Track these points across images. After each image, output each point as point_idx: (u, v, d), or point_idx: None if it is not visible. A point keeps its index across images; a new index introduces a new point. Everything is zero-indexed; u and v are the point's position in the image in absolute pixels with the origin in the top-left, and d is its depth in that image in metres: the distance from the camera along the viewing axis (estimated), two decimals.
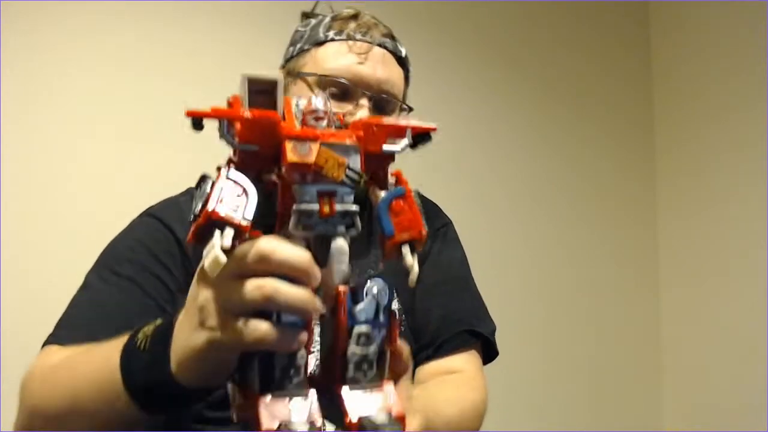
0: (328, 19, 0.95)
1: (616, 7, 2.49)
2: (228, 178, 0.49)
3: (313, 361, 0.82)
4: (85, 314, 0.81)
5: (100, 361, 0.59)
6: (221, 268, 0.47)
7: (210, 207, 0.48)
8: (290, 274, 0.48)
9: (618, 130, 2.45)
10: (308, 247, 0.51)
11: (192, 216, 0.49)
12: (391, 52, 0.94)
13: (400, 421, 0.50)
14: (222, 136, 0.50)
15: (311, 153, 0.49)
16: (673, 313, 2.39)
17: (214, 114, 0.50)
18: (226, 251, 0.47)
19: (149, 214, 0.89)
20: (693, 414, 2.29)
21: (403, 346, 0.55)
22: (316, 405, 0.50)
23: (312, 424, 0.48)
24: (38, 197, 1.68)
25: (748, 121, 2.16)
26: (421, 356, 0.91)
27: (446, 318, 0.93)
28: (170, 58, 1.79)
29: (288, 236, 0.51)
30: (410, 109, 0.98)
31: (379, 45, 0.92)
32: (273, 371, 0.50)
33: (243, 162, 0.52)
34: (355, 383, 0.52)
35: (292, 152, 0.49)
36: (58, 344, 0.76)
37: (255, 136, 0.51)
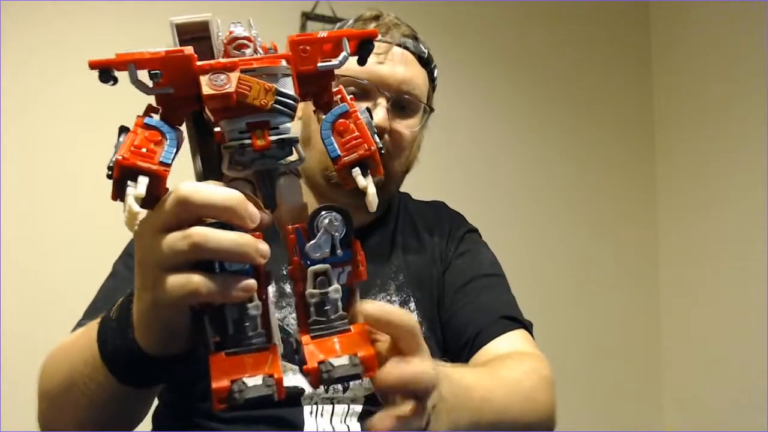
0: (351, 21, 0.95)
1: (616, 7, 2.49)
2: (145, 124, 0.45)
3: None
4: (110, 300, 0.80)
5: (87, 335, 0.58)
6: (143, 221, 0.44)
7: (119, 155, 0.43)
8: (218, 217, 0.44)
9: (618, 130, 2.45)
10: (254, 191, 0.47)
11: (107, 171, 0.45)
12: (412, 52, 0.94)
13: (367, 362, 0.45)
14: (132, 82, 0.46)
15: (230, 82, 0.44)
16: (673, 313, 2.40)
17: (121, 59, 0.46)
18: (147, 203, 0.44)
19: None
20: (693, 413, 2.29)
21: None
22: (278, 358, 0.45)
23: (270, 377, 0.43)
24: (38, 197, 1.68)
25: (748, 122, 2.16)
26: (463, 357, 0.87)
27: (479, 311, 0.89)
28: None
29: (229, 181, 0.47)
30: (431, 110, 0.97)
31: (399, 45, 0.92)
32: (226, 327, 0.45)
33: (165, 109, 0.47)
34: (318, 328, 0.47)
35: (207, 86, 0.44)
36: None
37: (168, 78, 0.46)
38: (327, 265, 0.47)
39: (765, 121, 2.11)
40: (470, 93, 2.23)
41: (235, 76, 0.45)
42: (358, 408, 0.80)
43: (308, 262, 0.47)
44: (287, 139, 0.46)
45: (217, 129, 0.48)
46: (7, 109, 1.66)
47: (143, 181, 0.43)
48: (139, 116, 0.46)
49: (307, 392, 0.79)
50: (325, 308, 0.47)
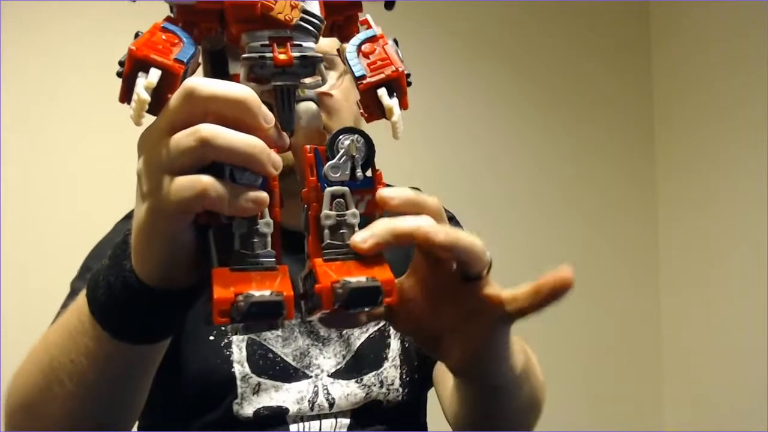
0: None
1: (616, 7, 2.49)
2: (162, 27, 0.43)
3: None
4: None
5: (69, 311, 0.52)
6: (148, 127, 0.41)
7: (133, 46, 0.41)
8: (228, 112, 0.40)
9: (618, 130, 2.45)
10: (271, 109, 0.44)
11: (118, 69, 0.42)
12: None
13: (386, 285, 0.41)
14: None
15: None
16: (673, 313, 2.39)
17: None
18: (155, 108, 0.41)
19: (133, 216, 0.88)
20: (693, 414, 2.29)
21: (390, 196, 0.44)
22: (288, 279, 0.42)
23: (280, 293, 0.40)
24: (38, 197, 1.68)
25: (748, 121, 2.16)
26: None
27: None
28: None
29: None
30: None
31: None
32: (232, 241, 0.42)
33: (185, 23, 0.44)
34: (331, 252, 0.43)
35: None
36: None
37: None
38: (345, 188, 0.44)
39: (765, 121, 2.11)
40: (469, 91, 2.23)
41: None
42: (346, 421, 0.78)
43: (326, 185, 0.44)
44: (310, 56, 0.43)
45: (234, 72, 0.45)
46: (7, 109, 1.66)
47: (155, 72, 0.40)
48: (161, 21, 0.44)
49: (291, 411, 0.77)
50: (341, 232, 0.43)
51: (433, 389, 0.87)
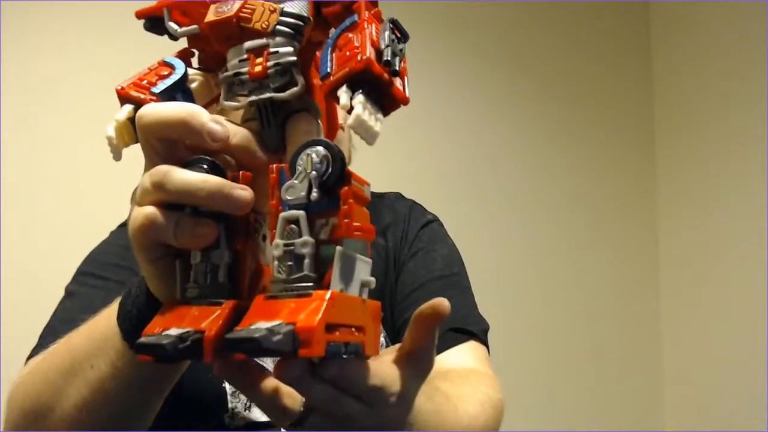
0: None
1: (616, 7, 2.49)
2: (162, 62, 0.45)
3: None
4: (70, 321, 0.69)
5: (101, 315, 0.52)
6: (114, 143, 0.42)
7: (121, 84, 0.44)
8: (172, 135, 0.40)
9: (618, 130, 2.45)
10: (259, 126, 0.42)
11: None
12: None
13: (302, 334, 0.33)
14: (167, 23, 0.44)
15: (232, 7, 0.40)
16: (673, 313, 2.39)
17: (159, 4, 0.44)
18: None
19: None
20: (693, 414, 2.29)
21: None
22: (225, 316, 0.37)
23: (198, 332, 0.36)
24: (38, 197, 1.68)
25: (748, 121, 2.16)
26: None
27: None
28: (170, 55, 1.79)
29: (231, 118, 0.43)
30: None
31: None
32: (188, 273, 0.40)
33: (201, 52, 0.45)
34: (275, 287, 0.37)
35: (212, 13, 0.41)
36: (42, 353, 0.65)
37: (193, 17, 0.43)
38: (300, 212, 0.37)
39: (765, 120, 2.11)
40: (469, 91, 2.23)
41: (240, 1, 0.40)
42: None
43: (285, 207, 0.38)
44: (284, 63, 0.39)
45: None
46: (7, 109, 1.66)
47: (126, 108, 0.42)
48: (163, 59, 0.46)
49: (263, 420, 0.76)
50: (287, 262, 0.37)
51: None
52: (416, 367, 0.43)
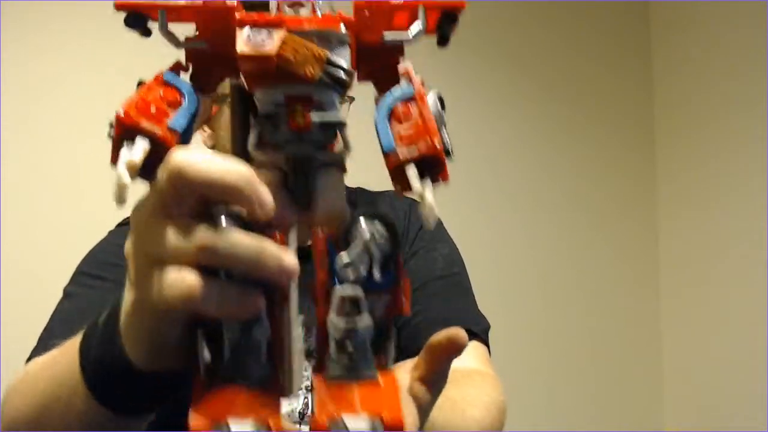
0: None
1: (616, 7, 2.49)
2: (163, 80, 0.37)
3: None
4: (68, 324, 0.67)
5: (67, 350, 0.48)
6: (140, 201, 0.36)
7: (122, 109, 0.35)
8: (218, 198, 0.34)
9: (618, 130, 2.45)
10: (285, 181, 0.37)
11: (108, 129, 0.36)
12: None
13: (394, 428, 0.33)
14: (161, 28, 0.38)
15: (271, 41, 0.35)
16: (673, 313, 2.39)
17: (150, 4, 0.37)
18: (147, 175, 0.35)
19: (128, 223, 0.88)
20: (693, 414, 2.29)
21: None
22: (278, 401, 0.35)
23: (265, 426, 0.33)
24: (38, 197, 1.68)
25: (748, 121, 2.16)
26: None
27: (428, 323, 0.80)
28: (172, 58, 1.79)
29: (258, 166, 0.36)
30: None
31: None
32: (222, 349, 0.35)
33: (197, 68, 0.39)
34: (336, 369, 0.36)
35: (243, 43, 0.35)
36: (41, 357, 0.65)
37: (203, 31, 0.38)
38: (360, 291, 0.36)
39: (765, 120, 2.11)
40: (469, 91, 2.23)
41: (279, 34, 0.35)
42: None
43: (336, 282, 0.36)
44: (333, 122, 0.36)
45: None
46: (8, 109, 1.66)
47: (141, 145, 0.35)
48: (161, 70, 0.38)
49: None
50: (347, 346, 0.36)
51: None
52: (434, 393, 0.44)
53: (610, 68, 2.46)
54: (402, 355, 0.82)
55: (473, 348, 0.82)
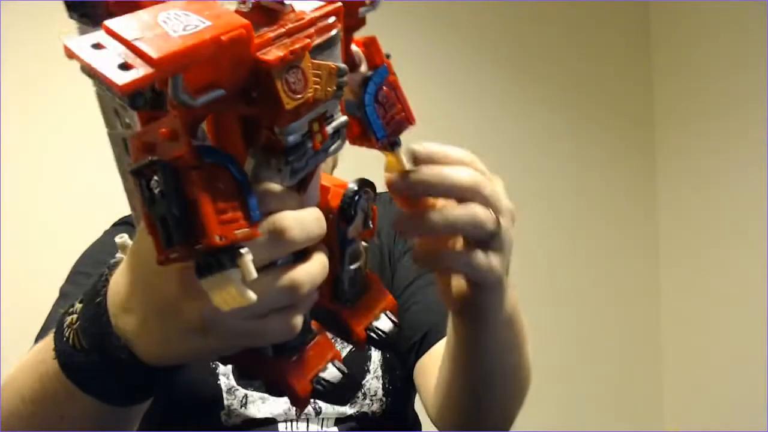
0: None
1: (616, 7, 2.49)
2: (204, 163, 0.32)
3: None
4: None
5: (36, 360, 0.47)
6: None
7: (211, 234, 0.31)
8: (305, 245, 0.38)
9: (618, 129, 2.45)
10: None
11: (164, 242, 0.32)
12: None
13: (394, 311, 0.47)
14: (176, 95, 0.31)
15: (305, 79, 0.33)
16: (674, 311, 2.39)
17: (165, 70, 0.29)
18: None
19: (124, 222, 0.88)
20: (693, 414, 2.29)
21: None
22: (327, 336, 0.44)
23: (333, 359, 0.43)
24: (38, 197, 1.68)
25: (748, 119, 2.17)
26: (411, 359, 0.82)
27: (425, 311, 0.82)
28: None
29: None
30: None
31: None
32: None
33: (211, 117, 0.36)
34: (348, 298, 0.45)
35: (287, 96, 0.32)
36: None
37: (219, 73, 0.32)
38: (362, 244, 0.45)
39: (765, 119, 2.11)
40: (469, 91, 2.23)
41: (308, 68, 0.33)
42: (334, 426, 0.79)
43: (344, 243, 0.44)
44: (340, 126, 0.38)
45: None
46: (8, 109, 1.66)
47: (249, 258, 0.32)
48: (185, 147, 0.32)
49: (278, 419, 0.77)
50: (356, 279, 0.45)
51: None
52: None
53: (610, 68, 2.46)
54: (401, 342, 0.83)
55: None
